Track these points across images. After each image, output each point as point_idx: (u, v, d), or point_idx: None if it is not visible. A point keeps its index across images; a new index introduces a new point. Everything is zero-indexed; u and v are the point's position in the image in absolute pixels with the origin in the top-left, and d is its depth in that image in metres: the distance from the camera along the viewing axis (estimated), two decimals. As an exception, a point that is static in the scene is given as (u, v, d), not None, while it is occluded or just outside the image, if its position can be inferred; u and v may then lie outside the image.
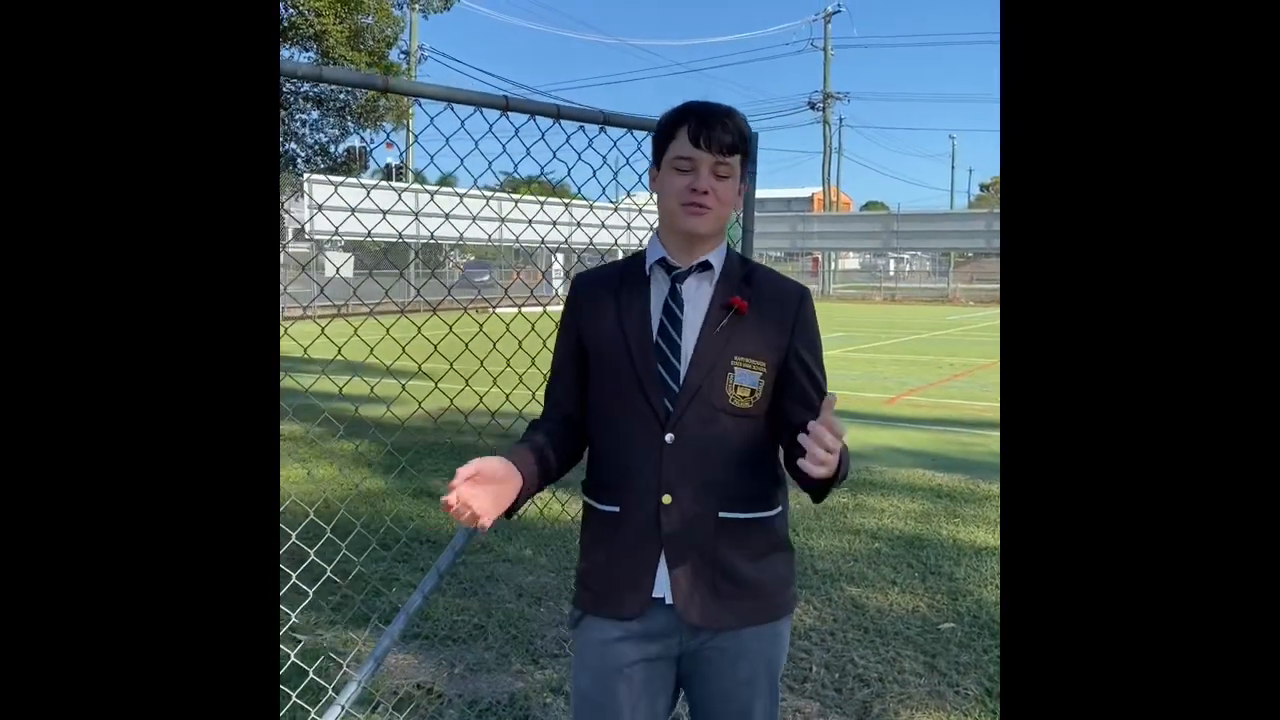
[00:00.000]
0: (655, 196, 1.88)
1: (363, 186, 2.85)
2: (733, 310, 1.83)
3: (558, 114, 2.61)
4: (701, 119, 1.79)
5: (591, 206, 3.39)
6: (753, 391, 1.81)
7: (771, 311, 1.86)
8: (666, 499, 1.79)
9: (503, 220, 2.96)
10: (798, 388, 1.84)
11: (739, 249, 3.11)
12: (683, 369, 1.81)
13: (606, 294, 1.88)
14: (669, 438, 1.79)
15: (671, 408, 1.79)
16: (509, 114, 2.54)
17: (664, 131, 1.84)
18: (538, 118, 2.63)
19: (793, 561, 1.95)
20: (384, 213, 2.50)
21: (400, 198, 2.72)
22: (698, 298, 1.85)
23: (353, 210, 2.50)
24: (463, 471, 1.64)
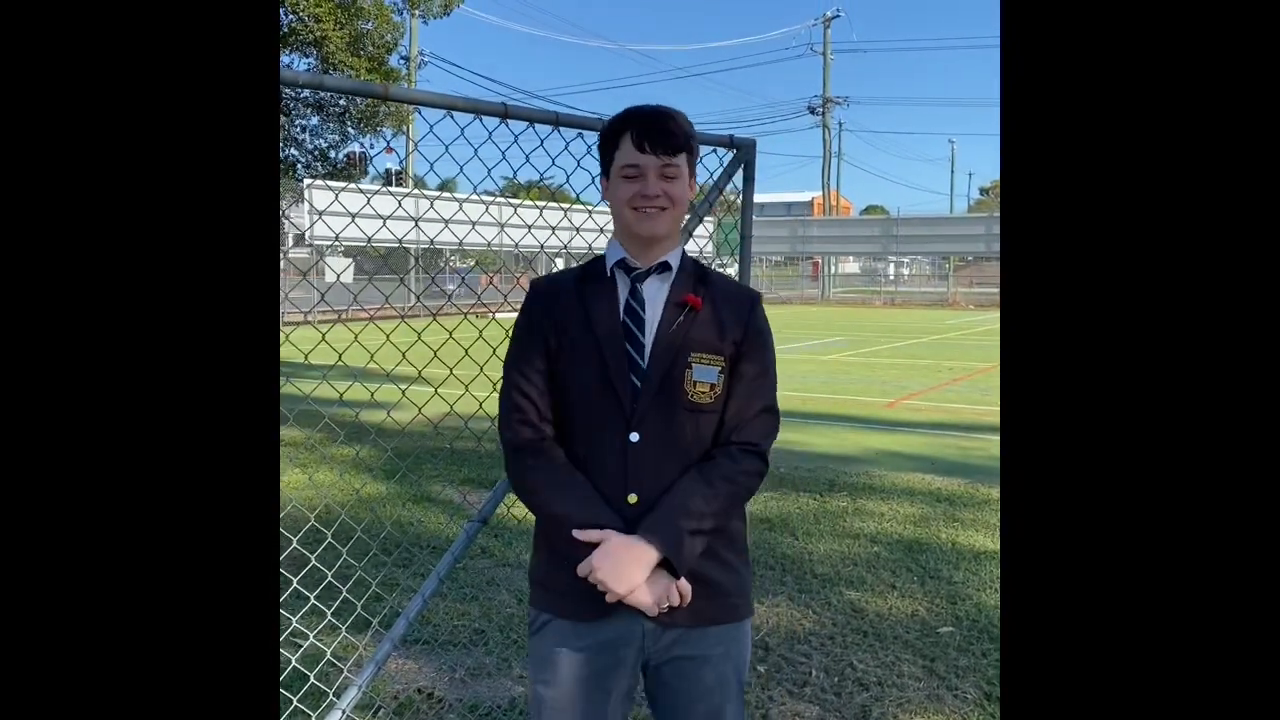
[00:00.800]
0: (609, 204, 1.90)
1: (362, 192, 2.87)
2: (687, 308, 1.85)
3: (556, 121, 2.63)
4: (643, 124, 1.81)
5: (591, 212, 3.40)
6: (712, 386, 1.83)
7: (726, 309, 1.88)
8: (633, 498, 1.80)
9: (503, 226, 2.98)
10: (738, 400, 1.86)
11: (737, 254, 3.13)
12: (645, 368, 1.82)
13: (571, 297, 1.88)
14: (634, 436, 1.80)
15: (636, 407, 1.81)
16: (508, 121, 2.56)
17: (608, 141, 1.86)
18: (537, 125, 2.65)
19: (749, 563, 1.98)
20: (384, 218, 2.51)
21: (400, 204, 2.73)
22: (658, 298, 1.87)
23: (354, 217, 2.52)
24: (619, 590, 1.72)
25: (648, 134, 1.80)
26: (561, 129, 2.67)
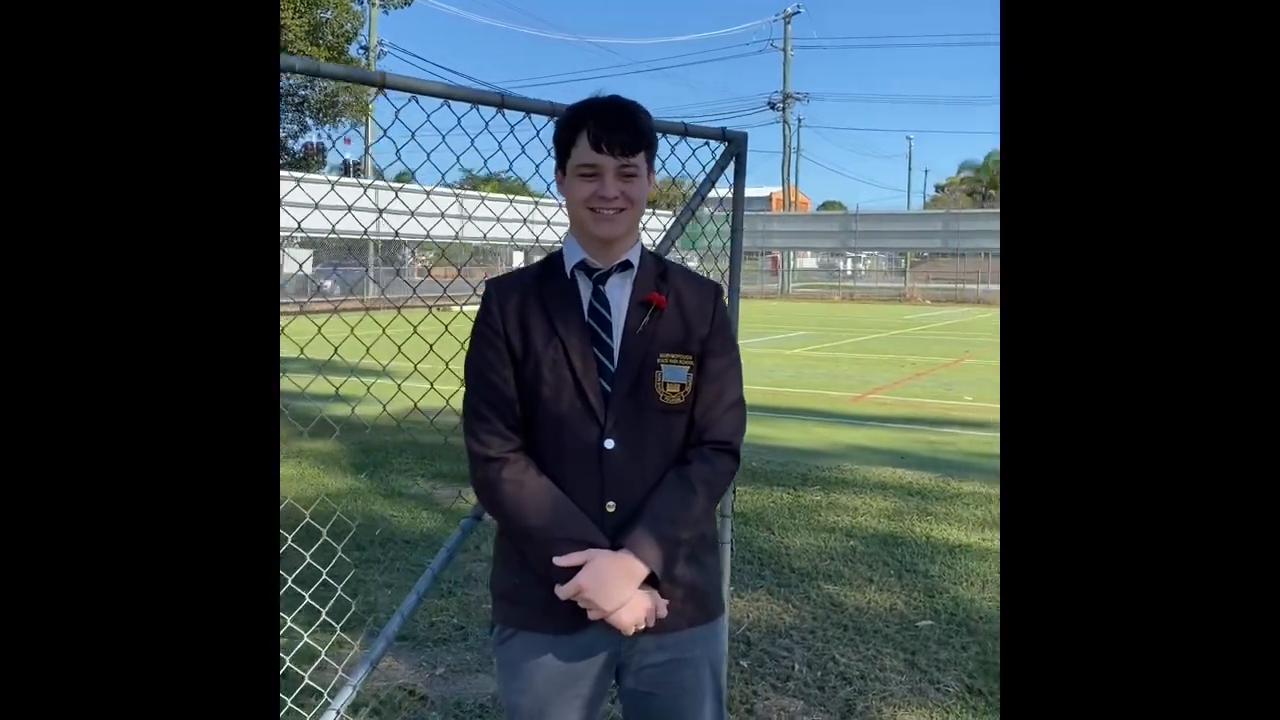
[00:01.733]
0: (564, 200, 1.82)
1: (360, 185, 2.82)
2: (652, 307, 1.80)
3: (551, 112, 2.59)
4: (600, 122, 1.73)
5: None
6: (682, 387, 1.79)
7: (690, 305, 1.84)
8: (611, 507, 1.75)
9: (498, 219, 2.93)
10: (706, 397, 1.82)
11: (728, 248, 3.11)
12: (614, 372, 1.77)
13: (532, 300, 1.79)
14: (608, 444, 1.75)
15: (609, 413, 1.75)
16: (504, 111, 2.52)
17: (564, 135, 1.77)
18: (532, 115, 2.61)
19: (720, 560, 1.94)
20: (381, 212, 2.46)
21: (395, 196, 2.68)
22: (621, 298, 1.81)
23: (350, 209, 2.47)
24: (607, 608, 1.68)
25: (605, 133, 1.72)
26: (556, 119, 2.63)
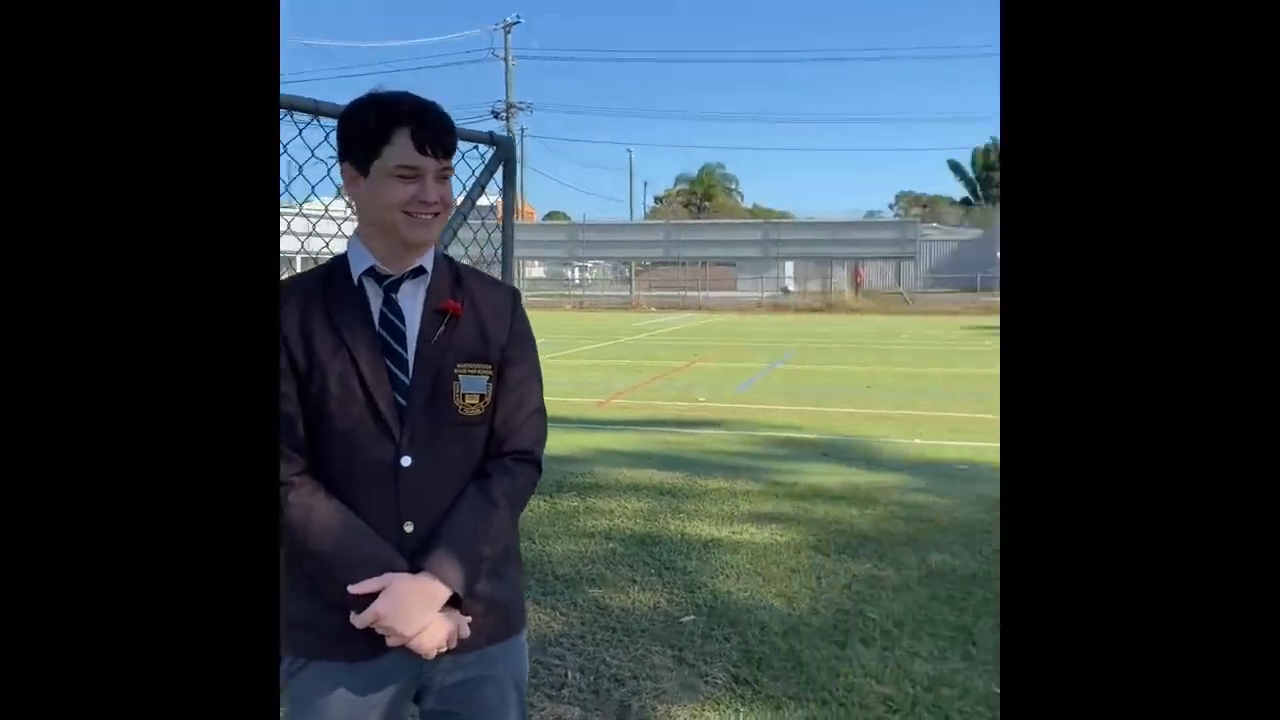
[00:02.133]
0: (356, 200, 1.70)
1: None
2: (448, 315, 1.73)
3: (315, 110, 2.45)
4: (424, 123, 1.64)
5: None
6: (482, 397, 1.74)
7: (487, 312, 1.78)
8: (409, 527, 1.67)
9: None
10: (506, 406, 1.78)
11: (499, 254, 3.07)
12: (409, 384, 1.69)
13: (315, 309, 1.67)
14: (405, 461, 1.67)
15: (404, 428, 1.68)
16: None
17: (373, 132, 1.64)
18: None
19: (523, 571, 1.92)
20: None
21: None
22: (415, 306, 1.73)
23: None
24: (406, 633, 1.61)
25: (430, 134, 1.63)
26: (317, 121, 2.49)
